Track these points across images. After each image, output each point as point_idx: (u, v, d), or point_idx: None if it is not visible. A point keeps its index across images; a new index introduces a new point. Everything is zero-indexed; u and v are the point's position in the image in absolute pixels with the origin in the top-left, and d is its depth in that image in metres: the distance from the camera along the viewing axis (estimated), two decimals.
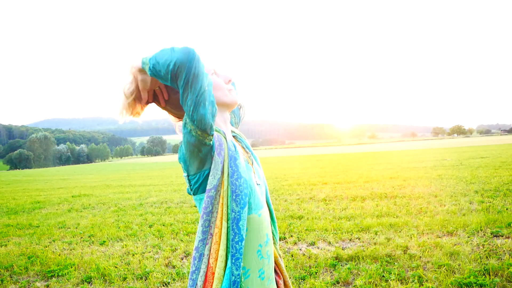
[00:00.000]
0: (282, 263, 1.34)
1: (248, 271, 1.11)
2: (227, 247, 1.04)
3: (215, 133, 1.09)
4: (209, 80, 1.03)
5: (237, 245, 1.03)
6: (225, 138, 1.11)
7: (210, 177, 1.05)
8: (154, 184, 14.38)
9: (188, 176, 1.11)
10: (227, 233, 1.04)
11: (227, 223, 1.05)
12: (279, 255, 1.33)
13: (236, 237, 1.03)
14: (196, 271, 1.05)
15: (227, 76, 1.22)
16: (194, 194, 1.13)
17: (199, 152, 1.05)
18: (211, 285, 1.03)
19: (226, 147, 1.09)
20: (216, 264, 1.03)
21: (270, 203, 1.31)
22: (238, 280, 1.02)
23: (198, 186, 1.10)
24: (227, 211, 1.05)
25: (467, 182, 8.44)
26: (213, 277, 1.03)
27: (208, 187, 1.05)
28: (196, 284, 1.05)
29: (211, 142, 1.05)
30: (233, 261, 1.02)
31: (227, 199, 1.05)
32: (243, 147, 1.30)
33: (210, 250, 1.05)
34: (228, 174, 1.06)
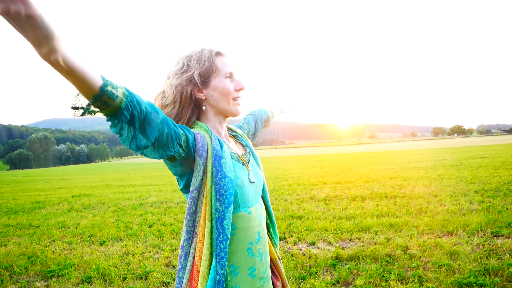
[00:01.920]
0: (281, 266, 1.33)
1: (238, 269, 1.11)
2: (211, 246, 1.04)
3: (198, 134, 1.08)
4: (158, 119, 0.92)
5: (221, 244, 1.03)
6: (210, 138, 1.10)
7: (192, 179, 1.06)
8: (154, 184, 14.37)
9: (176, 176, 1.15)
10: (211, 233, 1.04)
11: (211, 223, 1.04)
12: (278, 257, 1.33)
13: (221, 236, 1.03)
14: (182, 269, 1.07)
15: (240, 84, 1.20)
16: (184, 193, 1.16)
17: (174, 167, 1.09)
18: (197, 283, 1.03)
19: (210, 147, 1.07)
20: (200, 262, 1.04)
21: (269, 205, 1.30)
22: (223, 279, 1.03)
23: (183, 187, 1.13)
24: (211, 211, 1.04)
25: (467, 182, 8.44)
26: (198, 275, 1.04)
27: (191, 189, 1.06)
28: (183, 281, 1.06)
29: (184, 154, 1.03)
30: (217, 260, 1.02)
31: (211, 199, 1.05)
32: (243, 145, 1.31)
33: (195, 249, 1.05)
34: (211, 174, 1.05)
